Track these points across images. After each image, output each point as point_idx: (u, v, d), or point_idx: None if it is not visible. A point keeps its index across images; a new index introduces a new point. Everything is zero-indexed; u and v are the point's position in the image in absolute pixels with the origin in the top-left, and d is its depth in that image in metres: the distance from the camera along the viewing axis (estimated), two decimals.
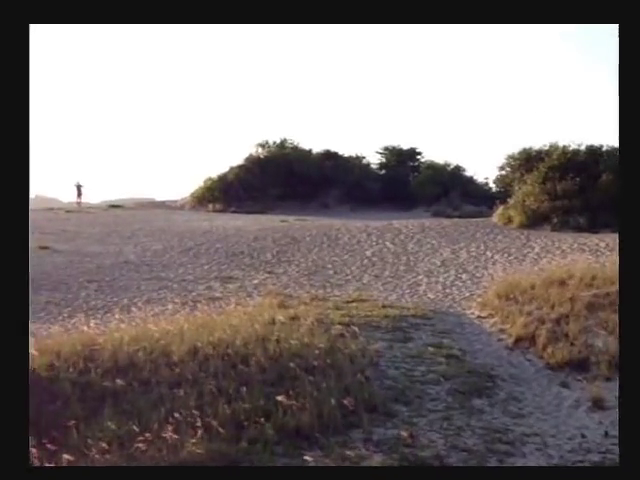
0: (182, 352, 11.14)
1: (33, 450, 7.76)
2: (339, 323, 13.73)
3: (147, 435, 8.29)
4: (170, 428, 8.45)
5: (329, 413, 9.34)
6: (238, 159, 54.03)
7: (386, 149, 55.00)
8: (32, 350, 10.90)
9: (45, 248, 26.59)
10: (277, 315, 13.81)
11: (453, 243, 25.21)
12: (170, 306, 16.85)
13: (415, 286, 19.33)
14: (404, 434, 8.96)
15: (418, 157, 55.00)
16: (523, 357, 13.00)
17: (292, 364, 10.78)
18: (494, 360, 12.71)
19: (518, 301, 15.25)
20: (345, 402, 9.56)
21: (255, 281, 20.69)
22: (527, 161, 40.87)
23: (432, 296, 17.96)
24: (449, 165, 52.24)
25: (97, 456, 7.84)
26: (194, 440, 8.23)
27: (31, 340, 12.16)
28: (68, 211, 44.10)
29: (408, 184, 49.91)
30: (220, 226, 32.50)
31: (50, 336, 12.71)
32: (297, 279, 20.90)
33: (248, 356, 11.12)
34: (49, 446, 7.92)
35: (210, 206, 47.89)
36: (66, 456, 7.61)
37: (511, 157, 46.76)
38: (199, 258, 24.58)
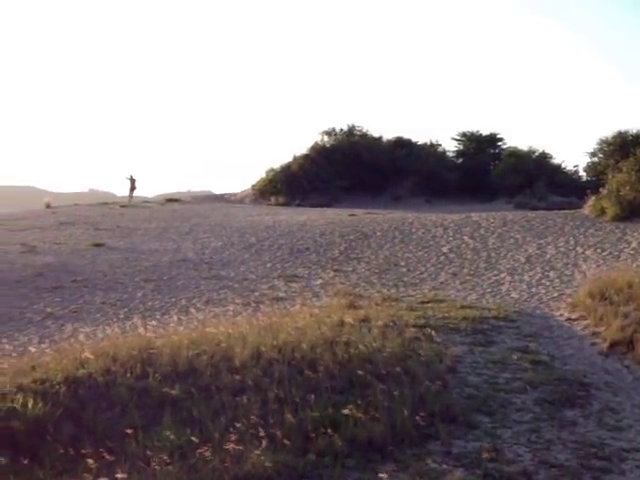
0: (245, 356, 11.20)
1: (90, 460, 7.93)
2: (413, 325, 13.65)
3: (209, 445, 8.37)
4: (233, 438, 8.51)
5: (403, 423, 9.27)
6: (302, 148, 54.22)
7: (464, 135, 54.51)
8: (87, 354, 11.17)
9: (100, 245, 27.22)
10: (346, 317, 13.79)
11: (539, 238, 24.81)
12: (231, 307, 17.02)
13: (497, 285, 19.10)
14: (487, 447, 8.84)
15: (499, 143, 54.38)
16: (620, 363, 12.69)
17: (362, 370, 10.73)
18: (587, 367, 12.43)
19: (613, 301, 14.89)
20: (421, 412, 9.48)
21: (321, 280, 20.74)
22: (622, 146, 40.01)
23: (516, 296, 17.71)
24: (534, 152, 51.48)
25: (157, 467, 7.94)
26: (258, 451, 8.27)
27: (87, 343, 12.48)
28: (123, 205, 44.98)
29: (488, 173, 49.35)
30: (283, 220, 32.68)
31: (106, 338, 12.97)
32: (367, 277, 20.88)
33: (315, 361, 11.11)
34: (107, 456, 8.07)
35: (272, 199, 48.23)
36: (120, 475, 7.72)
37: (604, 142, 45.98)
38: (261, 255, 24.78)
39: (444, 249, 24.22)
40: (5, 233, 31.20)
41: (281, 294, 18.90)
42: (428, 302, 16.61)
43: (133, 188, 52.00)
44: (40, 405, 9.34)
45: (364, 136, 54.52)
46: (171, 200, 50.23)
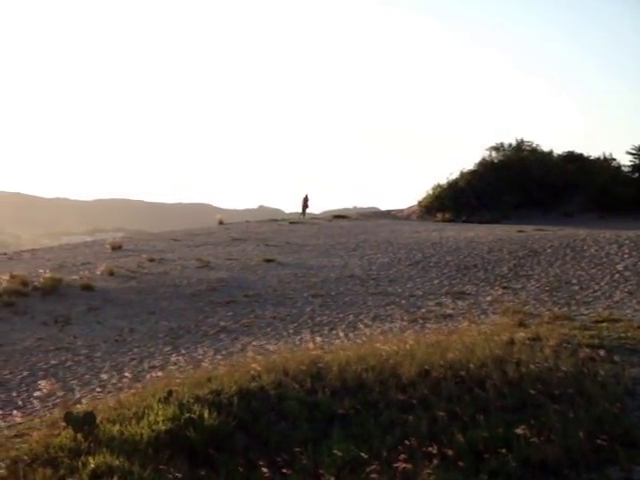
0: (412, 373, 11.15)
1: (264, 470, 8.11)
2: (587, 345, 13.13)
3: (377, 462, 8.35)
4: (402, 455, 8.45)
5: (579, 446, 8.93)
6: (470, 164, 53.75)
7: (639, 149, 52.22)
8: (259, 367, 11.46)
9: (270, 261, 27.90)
10: (516, 335, 13.47)
11: None
12: (398, 323, 16.97)
13: None
14: None
15: None
16: None
17: (534, 390, 10.44)
18: None
19: None
20: (598, 434, 9.09)
21: (490, 297, 20.36)
22: None
23: None
24: None
25: None
26: (429, 470, 8.17)
27: (258, 356, 12.81)
28: (292, 222, 46.00)
29: None
30: (450, 237, 32.39)
31: (277, 352, 13.26)
32: (537, 295, 20.31)
33: (484, 380, 10.92)
34: (283, 470, 8.22)
35: (439, 215, 47.98)
36: None
37: None
38: (428, 272, 24.63)
39: (619, 267, 23.20)
40: (183, 249, 32.66)
41: (448, 311, 18.69)
42: (603, 321, 15.93)
43: (306, 207, 53.51)
44: (215, 416, 9.64)
45: (533, 151, 53.39)
46: (338, 216, 50.96)
